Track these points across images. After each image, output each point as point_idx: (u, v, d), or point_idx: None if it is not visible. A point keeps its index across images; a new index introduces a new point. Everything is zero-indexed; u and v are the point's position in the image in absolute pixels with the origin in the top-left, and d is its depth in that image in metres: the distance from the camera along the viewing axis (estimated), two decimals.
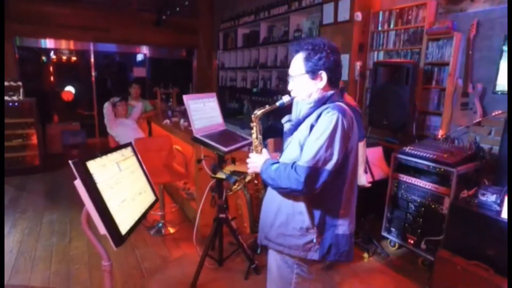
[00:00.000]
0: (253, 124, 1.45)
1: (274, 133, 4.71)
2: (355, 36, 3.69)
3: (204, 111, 2.22)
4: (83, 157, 1.22)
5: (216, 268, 2.46)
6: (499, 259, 1.97)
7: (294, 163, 1.23)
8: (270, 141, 4.50)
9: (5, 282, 2.43)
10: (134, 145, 3.23)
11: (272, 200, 1.36)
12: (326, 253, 1.31)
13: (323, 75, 1.27)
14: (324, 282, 1.83)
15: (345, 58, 3.75)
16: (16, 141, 4.78)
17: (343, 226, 1.32)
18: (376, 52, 3.69)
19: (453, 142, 2.71)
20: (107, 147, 3.88)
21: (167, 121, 4.11)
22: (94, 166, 1.26)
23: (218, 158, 2.15)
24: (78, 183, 1.15)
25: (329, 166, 1.20)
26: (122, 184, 1.44)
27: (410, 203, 2.63)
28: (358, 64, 3.73)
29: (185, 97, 2.08)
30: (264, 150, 1.44)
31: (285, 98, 1.36)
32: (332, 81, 1.30)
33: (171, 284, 2.31)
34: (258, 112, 1.43)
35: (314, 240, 1.29)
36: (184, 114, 5.24)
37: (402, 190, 2.68)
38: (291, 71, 1.33)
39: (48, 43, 6.16)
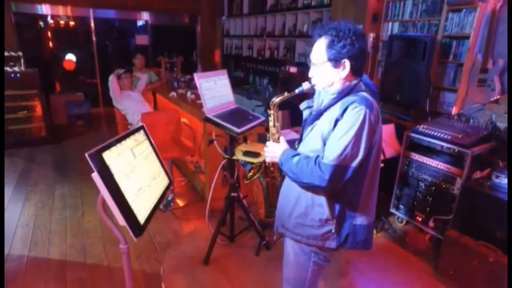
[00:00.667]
0: (270, 112, 1.40)
1: (281, 104, 4.65)
2: (369, 5, 3.49)
3: (215, 90, 2.15)
4: (99, 148, 1.19)
5: (228, 244, 2.52)
6: (506, 241, 1.99)
7: (317, 157, 1.20)
8: (279, 114, 4.46)
9: (26, 254, 2.53)
10: (142, 120, 3.22)
11: (290, 190, 1.34)
12: (343, 242, 1.32)
13: (347, 63, 1.19)
14: (335, 258, 1.87)
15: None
16: (22, 113, 4.75)
17: (361, 217, 1.31)
18: (390, 23, 3.51)
19: (468, 121, 2.65)
20: (112, 118, 3.86)
21: (174, 93, 4.03)
22: (110, 156, 1.23)
23: (230, 138, 2.12)
24: (95, 176, 1.13)
25: (355, 163, 1.17)
26: (137, 171, 1.42)
27: (420, 182, 2.62)
28: (371, 36, 3.56)
29: (196, 76, 2.00)
30: (281, 138, 1.40)
31: (305, 85, 1.29)
32: (356, 70, 1.22)
33: (184, 259, 2.38)
34: (276, 99, 1.38)
35: (333, 231, 1.29)
36: (190, 85, 5.17)
37: (413, 169, 2.67)
38: (313, 57, 1.25)
39: (45, 9, 5.91)
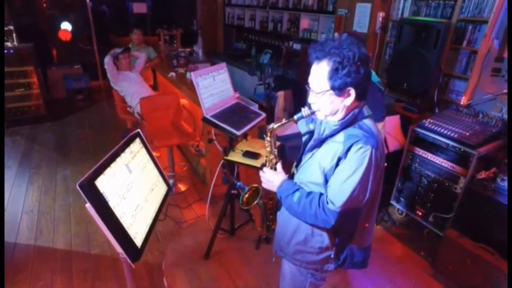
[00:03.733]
0: (267, 139, 1.32)
1: (283, 83, 4.51)
2: None
3: (214, 87, 2.06)
4: (92, 175, 1.15)
5: (228, 238, 2.57)
6: (506, 245, 2.00)
7: (320, 197, 1.14)
8: (281, 93, 4.34)
9: (33, 243, 2.60)
10: (141, 105, 3.15)
11: (289, 217, 1.31)
12: (341, 264, 1.32)
13: (352, 91, 1.10)
14: None
15: (366, 8, 3.36)
16: (19, 90, 4.66)
17: (360, 240, 1.30)
18: (402, 2, 3.27)
19: (477, 115, 2.54)
20: (112, 91, 3.78)
21: (173, 74, 3.90)
22: (104, 182, 1.20)
23: (229, 138, 2.06)
24: (89, 207, 1.11)
25: (361, 204, 1.12)
26: (133, 189, 1.40)
27: (423, 177, 2.59)
28: (381, 15, 3.34)
29: (193, 74, 1.90)
30: (278, 166, 1.33)
31: (305, 112, 1.19)
32: (360, 96, 1.12)
33: (185, 253, 2.44)
34: (275, 126, 1.28)
35: (332, 256, 1.29)
36: (189, 59, 4.98)
37: (416, 164, 2.62)
38: (313, 84, 1.13)
39: None
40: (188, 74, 3.77)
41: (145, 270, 2.37)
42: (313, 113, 1.18)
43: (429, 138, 2.46)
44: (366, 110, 1.18)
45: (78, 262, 2.43)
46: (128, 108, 3.74)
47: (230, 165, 2.21)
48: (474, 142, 2.23)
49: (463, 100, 2.88)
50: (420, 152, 2.57)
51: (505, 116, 2.53)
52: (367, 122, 1.16)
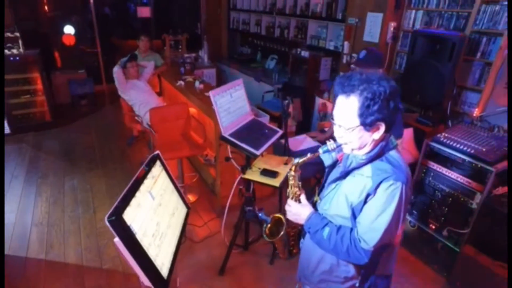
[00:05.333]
0: (291, 173, 1.28)
1: (292, 90, 4.49)
2: None
3: (231, 104, 2.04)
4: (119, 208, 1.13)
5: (242, 252, 2.55)
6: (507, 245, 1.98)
7: (351, 233, 1.13)
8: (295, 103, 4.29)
9: (44, 257, 2.58)
10: (151, 117, 3.12)
11: (313, 247, 1.29)
12: None
13: (381, 126, 1.08)
14: None
15: (378, 18, 3.34)
16: (25, 97, 4.63)
17: (385, 268, 1.28)
18: (414, 12, 3.25)
19: (493, 129, 2.53)
20: (116, 95, 3.77)
21: (181, 82, 3.87)
22: (130, 214, 1.17)
23: (246, 157, 2.04)
24: (118, 242, 1.09)
25: (393, 239, 1.11)
26: (157, 216, 1.38)
27: (436, 191, 2.57)
28: (392, 25, 3.32)
29: (211, 93, 1.87)
30: (303, 198, 1.30)
31: (330, 146, 1.16)
32: (388, 128, 1.10)
33: (200, 269, 2.42)
34: (300, 160, 1.25)
35: (357, 285, 1.27)
36: (195, 65, 4.96)
37: (430, 178, 2.60)
38: (340, 119, 1.09)
39: None
40: (197, 83, 3.75)
41: None
42: (339, 146, 1.16)
43: (444, 153, 2.44)
44: (392, 142, 1.17)
45: (91, 278, 2.41)
46: (136, 117, 3.72)
47: (246, 181, 2.19)
48: (491, 158, 2.21)
49: (476, 112, 2.86)
50: (435, 166, 2.55)
51: None
52: (394, 154, 1.14)
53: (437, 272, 2.46)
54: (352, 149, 1.15)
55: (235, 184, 2.12)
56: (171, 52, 5.56)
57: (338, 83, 1.09)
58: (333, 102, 1.14)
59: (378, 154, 1.12)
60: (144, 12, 6.57)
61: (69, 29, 6.17)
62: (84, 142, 4.52)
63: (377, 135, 1.10)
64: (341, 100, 1.09)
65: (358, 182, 1.13)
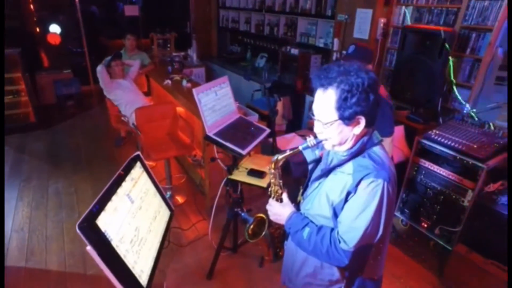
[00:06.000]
0: (272, 171, 1.23)
1: (279, 89, 4.42)
2: None
3: (216, 102, 1.96)
4: (92, 213, 1.05)
5: (230, 255, 2.48)
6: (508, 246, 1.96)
7: (331, 234, 1.07)
8: (280, 103, 4.23)
9: (24, 265, 2.47)
10: (136, 117, 3.03)
11: (297, 249, 1.23)
12: None
13: (361, 120, 1.02)
14: None
15: (367, 14, 3.30)
16: (7, 98, 4.47)
17: (372, 272, 1.23)
18: (403, 8, 3.21)
19: (483, 126, 2.50)
20: (103, 96, 3.67)
21: (168, 81, 3.78)
22: (105, 219, 1.10)
23: (233, 157, 1.97)
24: (90, 250, 1.01)
25: (375, 240, 1.05)
26: (136, 220, 1.30)
27: (428, 189, 2.54)
28: (382, 22, 3.29)
29: (194, 91, 1.80)
30: (284, 196, 1.25)
31: (310, 142, 1.10)
32: (370, 122, 1.05)
33: (187, 273, 2.34)
34: (279, 157, 1.19)
35: None
36: (184, 64, 4.87)
37: (421, 175, 2.57)
38: (319, 114, 1.05)
39: None
40: (184, 82, 3.67)
41: None
42: (319, 142, 1.10)
43: (436, 150, 2.41)
44: (375, 137, 1.11)
45: (74, 285, 2.31)
46: (122, 118, 3.61)
47: (234, 182, 2.12)
48: (483, 155, 2.18)
49: (466, 109, 2.84)
50: (426, 164, 2.51)
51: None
52: (377, 150, 1.09)
53: (429, 271, 2.43)
54: (333, 145, 1.09)
55: (221, 185, 2.05)
56: (159, 51, 5.46)
57: (315, 76, 1.04)
58: (313, 96, 1.08)
59: (360, 150, 1.07)
60: (132, 10, 6.44)
61: (54, 28, 6.01)
62: (70, 143, 4.39)
63: (358, 129, 1.04)
64: (319, 94, 1.04)
65: (339, 180, 1.07)
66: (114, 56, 3.60)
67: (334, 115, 1.02)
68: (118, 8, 6.92)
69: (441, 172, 2.43)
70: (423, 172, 2.55)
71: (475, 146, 2.26)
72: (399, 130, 2.73)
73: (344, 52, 3.62)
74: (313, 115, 1.08)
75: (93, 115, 5.49)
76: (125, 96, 3.58)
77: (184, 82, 3.66)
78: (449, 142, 2.35)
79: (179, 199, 3.31)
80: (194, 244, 2.64)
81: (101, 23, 6.83)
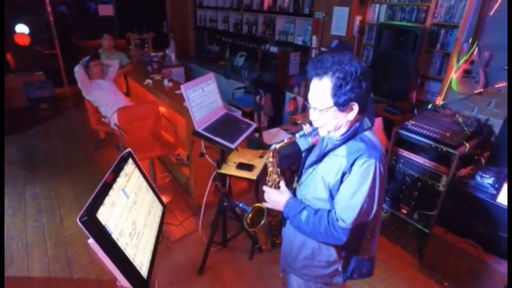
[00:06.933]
0: (270, 159, 1.28)
1: (262, 86, 4.48)
2: None
3: (204, 98, 1.99)
4: (91, 206, 1.05)
5: (220, 250, 2.50)
6: (488, 238, 2.12)
7: (328, 214, 1.14)
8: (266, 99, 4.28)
9: (3, 274, 2.37)
10: (118, 117, 2.99)
11: (294, 233, 1.29)
12: (349, 276, 1.33)
13: (355, 106, 1.09)
14: None
15: (344, 12, 3.42)
16: None
17: (367, 251, 1.31)
18: (378, 6, 3.37)
19: (454, 115, 2.68)
20: (78, 98, 3.56)
21: (149, 81, 3.74)
22: (104, 213, 1.10)
23: (221, 151, 2.00)
24: (93, 243, 1.01)
25: (370, 218, 1.13)
26: (132, 215, 1.31)
27: (407, 177, 2.69)
28: (358, 19, 3.42)
29: (183, 87, 1.82)
30: (282, 185, 1.30)
31: (306, 129, 1.17)
32: (362, 109, 1.12)
33: (178, 270, 2.34)
34: (277, 146, 1.25)
35: (340, 269, 1.29)
36: (163, 64, 4.82)
37: (400, 164, 2.71)
38: (314, 102, 1.11)
39: None
40: (165, 81, 3.64)
41: None
42: (315, 129, 1.17)
43: (413, 139, 2.55)
44: (365, 123, 1.19)
45: None
46: (103, 119, 3.54)
47: (222, 176, 2.15)
48: (455, 142, 2.34)
49: (438, 101, 3.02)
50: (404, 153, 2.66)
51: (479, 116, 2.69)
52: (368, 134, 1.17)
53: (410, 254, 2.57)
54: (328, 131, 1.16)
55: (210, 180, 2.07)
56: (136, 51, 5.37)
57: (311, 66, 1.10)
58: (308, 85, 1.15)
59: (352, 134, 1.14)
60: (106, 10, 6.29)
61: (22, 28, 5.76)
62: (46, 147, 4.23)
63: (352, 115, 1.11)
64: (314, 82, 1.10)
65: (334, 162, 1.14)
66: (92, 56, 3.52)
67: (330, 102, 1.08)
68: (90, 8, 6.72)
69: (418, 160, 2.58)
70: (402, 161, 2.69)
71: (448, 135, 2.42)
72: (377, 121, 2.86)
73: (323, 49, 3.73)
74: (308, 103, 1.13)
75: (69, 118, 5.31)
76: (105, 97, 3.51)
77: (166, 82, 3.64)
78: (424, 132, 2.49)
79: (165, 198, 3.28)
80: (183, 241, 2.64)
81: (73, 23, 6.61)
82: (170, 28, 6.63)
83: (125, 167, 1.43)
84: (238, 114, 2.98)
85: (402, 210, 2.77)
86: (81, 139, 4.47)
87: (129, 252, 1.16)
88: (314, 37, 3.81)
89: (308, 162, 1.28)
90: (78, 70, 3.33)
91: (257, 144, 2.38)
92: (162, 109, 3.55)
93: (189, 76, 6.02)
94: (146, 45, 5.56)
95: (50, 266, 2.44)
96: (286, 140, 1.21)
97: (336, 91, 1.06)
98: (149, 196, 1.57)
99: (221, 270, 2.36)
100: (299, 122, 3.15)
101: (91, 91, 3.45)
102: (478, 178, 2.25)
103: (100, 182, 1.23)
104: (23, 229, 2.81)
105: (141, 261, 1.23)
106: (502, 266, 2.02)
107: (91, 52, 3.65)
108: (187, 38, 6.86)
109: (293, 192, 1.32)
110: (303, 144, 1.40)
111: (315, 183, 1.19)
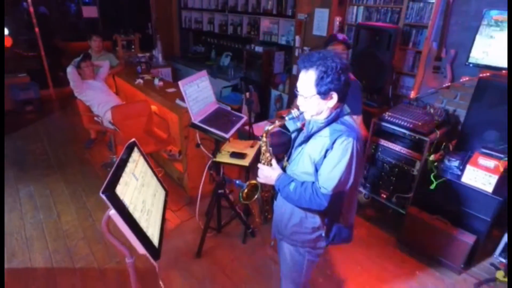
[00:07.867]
0: (264, 139, 1.48)
1: (248, 84, 4.68)
2: None
3: (199, 93, 2.16)
4: (110, 183, 1.21)
5: (215, 235, 2.67)
6: (455, 214, 2.39)
7: (312, 184, 1.34)
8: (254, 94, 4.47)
9: (6, 266, 2.45)
10: (112, 115, 3.10)
11: (284, 204, 1.50)
12: (331, 241, 1.54)
13: (334, 95, 1.30)
14: None
15: (324, 13, 3.66)
16: None
17: (345, 219, 1.52)
18: (356, 7, 3.62)
19: (425, 107, 2.95)
20: (65, 100, 3.62)
21: (140, 80, 3.86)
22: (121, 189, 1.26)
23: (215, 141, 2.18)
24: (114, 215, 1.17)
25: (347, 187, 1.34)
26: (142, 195, 1.47)
27: (385, 164, 2.93)
28: (338, 20, 3.66)
29: (180, 83, 1.98)
30: (273, 161, 1.51)
31: (295, 113, 1.38)
32: (341, 98, 1.33)
33: (177, 255, 2.50)
34: (270, 128, 1.46)
35: (323, 234, 1.50)
36: (151, 64, 4.94)
37: (379, 152, 2.96)
38: (301, 89, 1.33)
39: None
40: (156, 81, 3.77)
41: (137, 278, 2.38)
42: (301, 113, 1.38)
43: (389, 129, 2.80)
44: (345, 110, 1.40)
45: (63, 279, 2.36)
46: (95, 118, 3.63)
47: (216, 165, 2.32)
48: (426, 130, 2.60)
49: (412, 94, 3.30)
50: (382, 142, 2.91)
51: (447, 107, 2.97)
52: (347, 118, 1.38)
53: (388, 233, 2.82)
54: (311, 115, 1.37)
55: (206, 169, 2.24)
56: (123, 53, 5.45)
57: (301, 60, 1.32)
58: (294, 81, 1.36)
59: (334, 118, 1.35)
60: (91, 12, 6.32)
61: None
62: (35, 149, 4.26)
63: (331, 103, 1.33)
64: (302, 74, 1.32)
65: (319, 142, 1.35)
66: (84, 57, 3.62)
67: (313, 90, 1.29)
68: (70, 9, 6.71)
69: (395, 148, 2.83)
70: (380, 149, 2.94)
71: (420, 124, 2.68)
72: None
73: (305, 48, 3.96)
74: (297, 91, 1.35)
75: (56, 120, 5.33)
76: (97, 96, 3.60)
77: (156, 81, 3.77)
78: (400, 122, 2.75)
79: None
80: (179, 228, 2.80)
81: (55, 25, 6.59)
82: (155, 29, 6.73)
83: (132, 154, 1.58)
84: (228, 109, 3.16)
85: (382, 195, 3.02)
86: (70, 140, 4.52)
87: (143, 224, 1.32)
88: (297, 37, 4.03)
89: (297, 143, 1.49)
90: (71, 71, 3.42)
91: (248, 135, 2.57)
92: (153, 107, 3.68)
93: (176, 76, 6.14)
94: (133, 46, 5.64)
95: (52, 258, 2.54)
96: (277, 122, 1.41)
97: (319, 82, 1.27)
98: (154, 181, 1.73)
99: (217, 254, 2.53)
100: (284, 116, 3.36)
101: (83, 91, 3.54)
102: (446, 161, 2.51)
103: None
104: (21, 225, 2.88)
105: (152, 233, 1.39)
106: (465, 236, 2.29)
107: (75, 55, 3.73)
108: (171, 39, 6.97)
109: (283, 169, 1.52)
110: (291, 127, 1.60)
111: (303, 159, 1.40)
